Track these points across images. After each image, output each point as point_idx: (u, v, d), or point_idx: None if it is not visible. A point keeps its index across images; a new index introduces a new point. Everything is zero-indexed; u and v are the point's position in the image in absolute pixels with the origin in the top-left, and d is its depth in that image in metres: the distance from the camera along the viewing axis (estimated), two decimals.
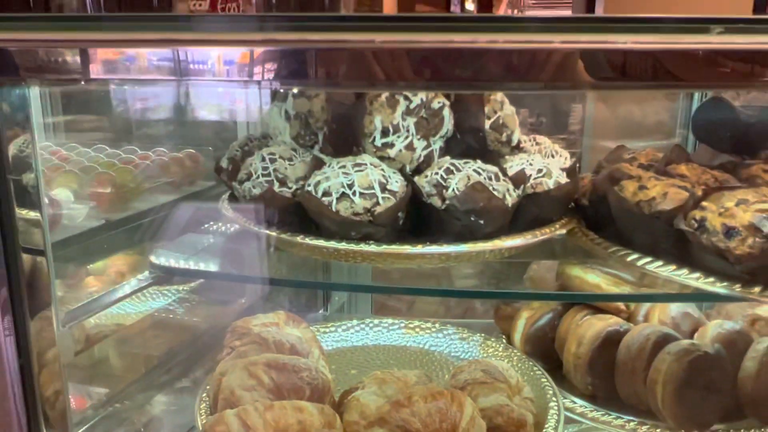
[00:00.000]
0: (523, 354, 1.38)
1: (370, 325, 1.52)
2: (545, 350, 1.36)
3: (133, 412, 1.22)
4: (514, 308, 1.48)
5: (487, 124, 1.09)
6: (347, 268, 1.83)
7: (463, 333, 1.48)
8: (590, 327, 1.28)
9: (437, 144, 1.06)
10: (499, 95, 1.11)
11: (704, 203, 0.94)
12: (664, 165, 1.15)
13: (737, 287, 0.90)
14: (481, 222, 0.98)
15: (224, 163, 1.21)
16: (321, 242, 0.98)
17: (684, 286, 0.94)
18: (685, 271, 0.94)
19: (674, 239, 0.97)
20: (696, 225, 0.92)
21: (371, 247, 0.97)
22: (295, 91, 1.12)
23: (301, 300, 1.84)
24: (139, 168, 1.39)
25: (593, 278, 1.33)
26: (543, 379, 1.27)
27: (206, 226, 1.19)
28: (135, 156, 1.46)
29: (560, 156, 1.22)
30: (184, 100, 1.60)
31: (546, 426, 1.12)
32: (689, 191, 0.96)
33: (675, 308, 1.36)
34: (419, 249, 0.97)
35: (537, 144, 1.23)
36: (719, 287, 0.91)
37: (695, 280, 0.94)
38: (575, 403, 1.27)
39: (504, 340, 1.45)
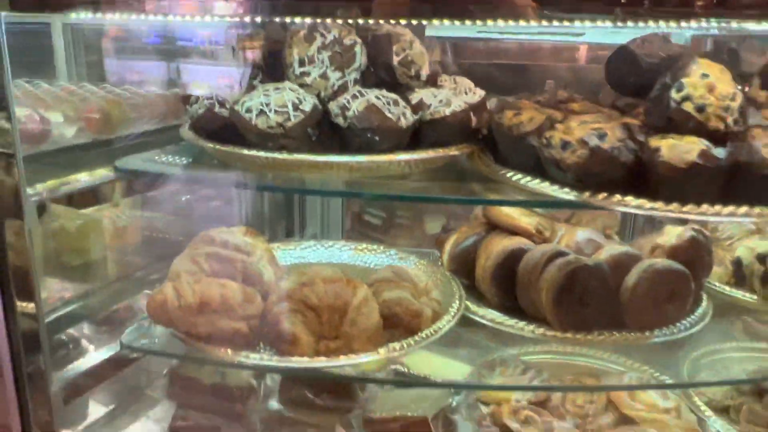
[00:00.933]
0: (447, 271, 1.58)
1: (325, 246, 1.74)
2: (467, 268, 1.56)
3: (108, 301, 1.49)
4: (449, 234, 1.68)
5: (396, 60, 1.28)
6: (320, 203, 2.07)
7: (402, 254, 1.68)
8: (498, 244, 1.47)
9: (352, 76, 1.27)
10: (408, 35, 1.30)
11: (557, 125, 1.12)
12: (556, 102, 1.32)
13: (573, 194, 1.08)
14: (377, 139, 1.18)
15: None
16: (245, 151, 1.20)
17: (536, 194, 1.13)
18: (537, 180, 1.13)
19: (536, 156, 1.15)
20: (545, 142, 1.10)
21: (284, 156, 1.18)
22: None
23: (279, 228, 2.08)
24: (128, 101, 1.63)
25: (508, 209, 1.53)
26: (454, 288, 1.47)
27: (170, 146, 1.42)
28: (129, 92, 1.70)
29: (473, 93, 1.40)
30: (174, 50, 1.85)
31: (441, 319, 1.33)
32: (548, 116, 1.14)
33: (581, 234, 1.53)
34: (323, 158, 1.18)
35: (455, 83, 1.42)
36: (560, 193, 1.09)
37: (549, 188, 1.12)
38: (485, 310, 1.46)
39: (440, 263, 1.65)
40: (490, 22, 1.24)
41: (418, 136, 1.27)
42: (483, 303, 1.48)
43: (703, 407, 1.64)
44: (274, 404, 1.41)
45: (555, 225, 1.59)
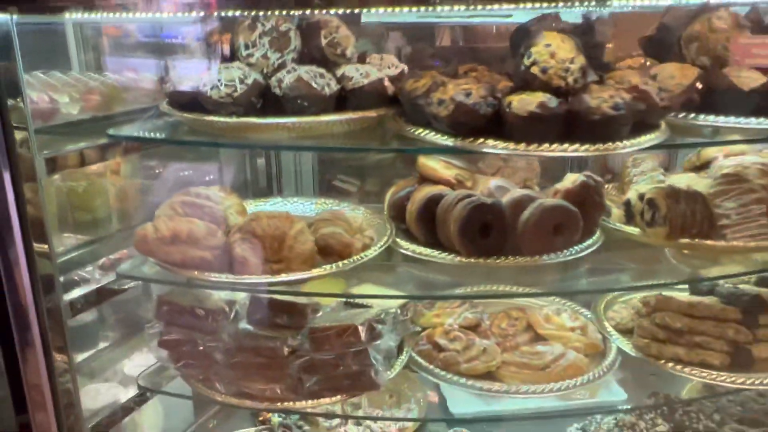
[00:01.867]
0: (387, 217, 1.90)
1: (291, 201, 2.08)
2: (401, 214, 1.87)
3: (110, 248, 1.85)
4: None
5: (324, 42, 1.60)
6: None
7: (354, 206, 2.01)
8: (422, 191, 1.79)
9: (290, 56, 1.59)
10: (335, 22, 1.62)
11: (440, 88, 1.44)
12: (456, 72, 1.63)
13: (450, 140, 1.40)
14: (306, 104, 1.51)
15: None
16: (205, 117, 1.54)
17: (428, 143, 1.44)
18: (427, 132, 1.45)
19: (425, 113, 1.46)
20: (429, 101, 1.42)
21: (234, 119, 1.52)
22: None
23: (259, 187, 2.42)
24: (122, 85, 1.98)
25: (432, 163, 1.85)
26: (388, 229, 1.80)
27: (154, 120, 1.76)
28: (123, 78, 2.05)
29: (395, 68, 1.71)
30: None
31: (371, 248, 1.66)
32: (435, 81, 1.46)
33: (493, 182, 1.84)
34: (265, 120, 1.51)
35: (381, 60, 1.73)
36: (442, 140, 1.41)
37: (435, 138, 1.44)
38: (413, 246, 1.77)
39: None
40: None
41: (344, 103, 1.59)
42: (413, 241, 1.80)
43: (610, 328, 1.95)
44: (243, 324, 1.75)
45: (475, 176, 1.90)
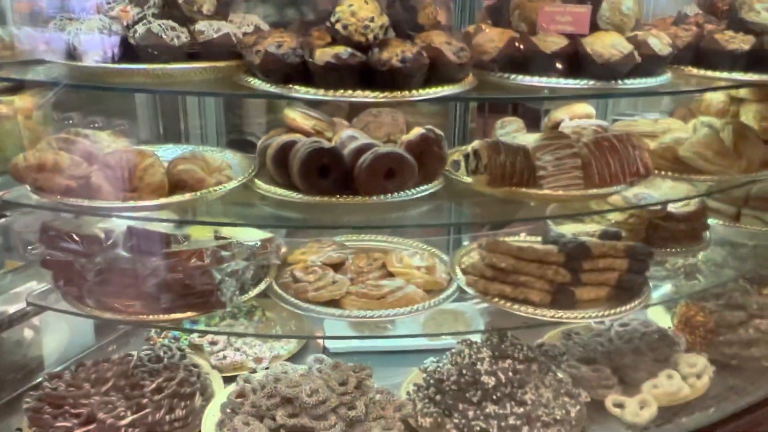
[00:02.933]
0: (257, 162, 2.11)
1: (181, 148, 2.30)
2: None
3: None
4: None
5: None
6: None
7: (231, 153, 2.22)
8: (278, 138, 2.01)
9: (150, 10, 1.81)
10: None
11: (262, 40, 1.65)
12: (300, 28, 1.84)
13: (266, 86, 1.61)
14: (155, 53, 1.73)
15: None
16: (72, 63, 1.76)
17: (254, 89, 1.66)
18: (255, 80, 1.66)
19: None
20: (252, 51, 1.63)
21: (96, 65, 1.74)
22: None
23: (169, 137, 2.65)
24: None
25: (293, 114, 2.07)
26: (251, 170, 2.01)
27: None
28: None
29: (251, 26, 1.92)
30: None
31: (222, 186, 1.88)
32: (261, 33, 1.67)
33: (345, 132, 2.05)
34: (123, 66, 1.73)
35: (243, 19, 1.94)
36: (263, 86, 1.62)
37: (259, 84, 1.65)
38: (268, 186, 1.98)
39: None
40: None
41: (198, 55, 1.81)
42: (273, 183, 2.02)
43: (457, 269, 2.17)
44: (117, 250, 1.98)
45: (334, 127, 2.11)
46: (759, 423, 2.10)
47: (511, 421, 1.91)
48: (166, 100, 2.65)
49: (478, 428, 1.90)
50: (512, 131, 2.37)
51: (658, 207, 2.40)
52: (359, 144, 1.95)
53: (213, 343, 2.37)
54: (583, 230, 2.32)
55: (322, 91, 1.57)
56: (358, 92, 1.56)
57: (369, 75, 1.58)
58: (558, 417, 1.95)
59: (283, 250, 2.24)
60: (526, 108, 3.48)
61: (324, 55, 1.54)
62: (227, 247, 1.90)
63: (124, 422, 1.83)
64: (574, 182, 1.92)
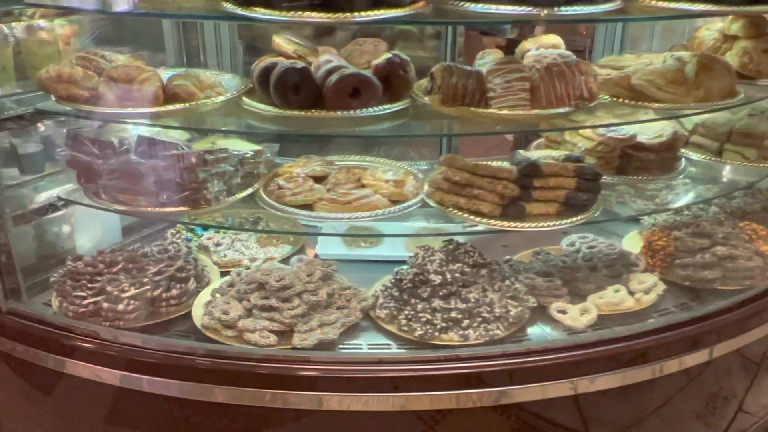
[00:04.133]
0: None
1: (193, 71, 2.62)
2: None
3: None
4: None
5: None
6: None
7: (232, 75, 2.52)
8: (263, 61, 2.29)
9: None
10: None
11: None
12: None
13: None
14: None
15: None
16: None
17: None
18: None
19: None
20: None
21: None
22: None
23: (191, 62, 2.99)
24: None
25: (279, 39, 2.34)
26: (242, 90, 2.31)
27: None
28: None
29: None
30: None
31: (210, 99, 2.18)
32: None
33: (323, 57, 2.30)
34: None
35: None
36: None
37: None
38: (253, 103, 2.27)
39: None
40: None
41: None
42: (257, 100, 2.30)
43: (426, 184, 2.41)
44: (130, 155, 2.33)
45: (317, 53, 2.37)
46: (693, 335, 2.26)
47: (453, 314, 2.16)
48: (188, 32, 2.97)
49: (424, 319, 2.17)
50: (489, 62, 2.55)
51: (628, 136, 2.54)
52: (330, 66, 2.20)
53: (218, 244, 2.73)
54: (550, 155, 2.50)
55: (276, 12, 1.82)
56: (306, 14, 1.80)
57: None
58: (497, 314, 2.18)
59: (275, 161, 2.55)
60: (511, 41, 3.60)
61: None
62: (213, 153, 2.20)
63: (126, 294, 2.20)
64: (520, 103, 2.11)
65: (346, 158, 2.73)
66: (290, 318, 2.13)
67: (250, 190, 2.36)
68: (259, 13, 1.84)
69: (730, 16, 2.80)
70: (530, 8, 1.93)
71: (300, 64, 2.19)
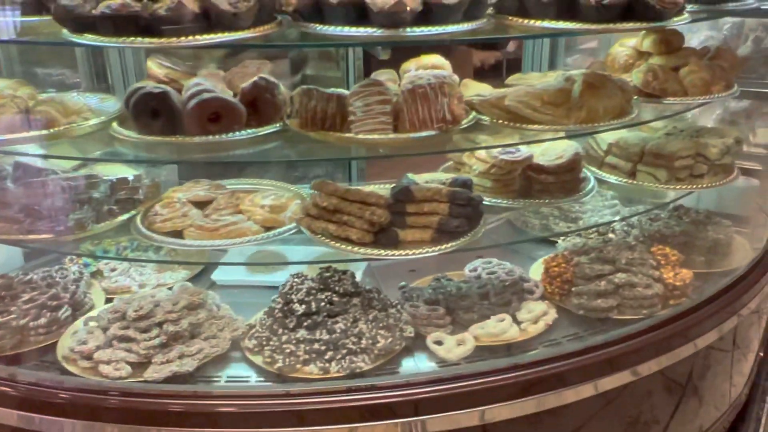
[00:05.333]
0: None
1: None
2: None
3: None
4: None
5: None
6: None
7: (87, 95, 2.48)
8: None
9: None
10: None
11: None
12: None
13: None
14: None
15: None
16: None
17: None
18: None
19: None
20: None
21: None
22: None
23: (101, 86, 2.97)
24: None
25: (150, 63, 2.30)
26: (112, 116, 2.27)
27: None
28: None
29: None
30: None
31: (74, 124, 2.15)
32: None
33: (193, 81, 2.25)
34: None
35: None
36: None
37: None
38: (118, 128, 2.24)
39: None
40: None
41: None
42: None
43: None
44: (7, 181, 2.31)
45: (190, 76, 2.32)
46: (574, 368, 2.15)
47: (316, 346, 2.08)
48: (96, 56, 2.95)
49: (288, 350, 2.09)
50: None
51: (521, 158, 2.44)
52: (193, 90, 2.15)
53: (113, 270, 2.69)
54: (438, 178, 2.41)
55: (104, 39, 1.78)
56: (137, 39, 1.76)
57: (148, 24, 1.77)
58: (363, 346, 2.10)
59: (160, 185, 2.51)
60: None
61: (101, 6, 1.76)
62: (76, 179, 2.17)
63: None
64: (380, 127, 2.04)
65: (242, 181, 2.68)
66: (147, 349, 2.07)
67: (127, 216, 2.31)
68: (87, 39, 1.81)
69: (642, 32, 2.71)
70: (375, 30, 1.86)
71: (162, 88, 2.14)
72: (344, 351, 2.09)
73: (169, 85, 2.28)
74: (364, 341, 2.11)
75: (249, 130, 2.14)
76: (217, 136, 2.10)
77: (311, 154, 2.23)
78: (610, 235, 2.93)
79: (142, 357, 2.07)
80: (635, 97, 2.54)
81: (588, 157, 2.85)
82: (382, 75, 2.51)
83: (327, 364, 2.06)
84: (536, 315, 2.29)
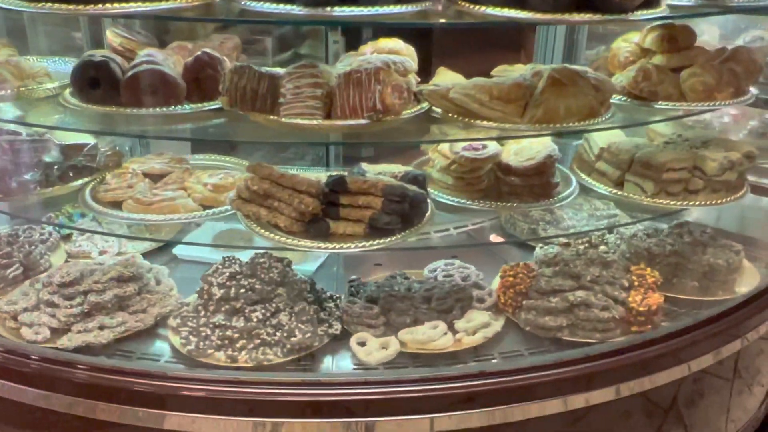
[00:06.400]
0: None
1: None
2: None
3: None
4: None
5: None
6: None
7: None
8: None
9: None
10: None
11: None
12: None
13: None
14: None
15: None
16: None
17: None
18: None
19: None
20: None
21: None
22: None
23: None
24: None
25: (108, 32, 2.28)
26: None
27: None
28: None
29: None
30: None
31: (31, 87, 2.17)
32: None
33: (146, 51, 2.22)
34: None
35: None
36: None
37: None
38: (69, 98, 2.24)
39: None
40: None
41: None
42: None
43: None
44: None
45: (142, 47, 2.29)
46: (499, 390, 1.97)
47: (229, 333, 2.02)
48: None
49: (204, 334, 2.05)
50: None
51: (485, 156, 2.27)
52: (138, 61, 2.12)
53: (82, 234, 2.73)
54: (391, 170, 2.28)
55: (13, 2, 1.76)
56: (47, 5, 1.72)
57: None
58: (276, 338, 2.02)
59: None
60: None
61: None
62: (25, 143, 2.20)
63: None
64: (308, 111, 1.93)
65: (209, 158, 2.65)
66: (67, 316, 2.08)
67: (81, 181, 2.33)
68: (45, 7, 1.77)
69: (645, 28, 2.44)
70: (301, 8, 1.75)
71: (106, 58, 2.12)
72: (257, 341, 2.02)
73: (124, 55, 2.26)
74: (278, 334, 2.03)
75: (187, 106, 2.09)
76: (151, 110, 2.06)
77: (256, 135, 2.16)
78: (602, 248, 2.70)
79: (63, 324, 2.08)
80: (624, 98, 2.31)
81: (580, 161, 2.62)
82: (348, 57, 2.39)
83: (236, 353, 1.99)
84: (475, 326, 2.12)
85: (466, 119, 2.03)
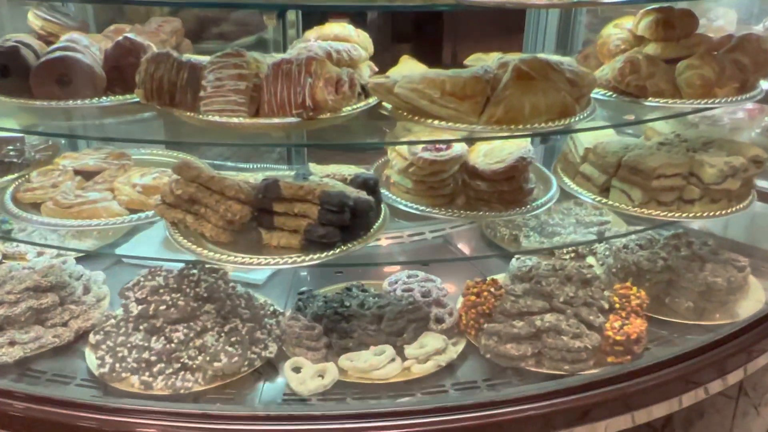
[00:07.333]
0: None
1: None
2: None
3: None
4: None
5: None
6: None
7: None
8: None
9: None
10: None
11: None
12: None
13: None
14: None
15: None
16: None
17: None
18: None
19: None
20: None
21: None
22: None
23: None
24: None
25: (30, 15, 2.06)
26: None
27: None
28: None
29: None
30: None
31: None
32: None
33: (69, 36, 1.99)
34: None
35: None
36: None
37: None
38: None
39: None
40: None
41: None
42: None
43: None
44: None
45: (67, 31, 2.06)
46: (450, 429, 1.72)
47: (146, 355, 1.80)
48: None
49: (120, 355, 1.83)
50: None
51: (446, 158, 2.00)
52: (52, 48, 1.89)
53: (23, 230, 2.53)
54: (342, 172, 2.02)
55: None
56: None
57: None
58: (198, 363, 1.79)
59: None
60: None
61: None
62: None
63: None
64: (229, 108, 1.68)
65: (156, 154, 2.42)
66: None
67: (5, 180, 2.13)
68: None
69: (639, 12, 2.14)
70: None
71: (16, 44, 1.90)
72: (176, 365, 1.80)
73: (47, 40, 2.04)
74: (201, 358, 1.80)
75: (106, 98, 1.87)
76: (62, 102, 1.83)
77: (181, 133, 1.92)
78: (590, 258, 2.42)
79: None
80: (611, 94, 2.02)
81: (565, 162, 2.34)
82: (301, 42, 2.13)
83: (151, 379, 1.77)
84: (427, 351, 1.87)
85: (416, 117, 1.76)
